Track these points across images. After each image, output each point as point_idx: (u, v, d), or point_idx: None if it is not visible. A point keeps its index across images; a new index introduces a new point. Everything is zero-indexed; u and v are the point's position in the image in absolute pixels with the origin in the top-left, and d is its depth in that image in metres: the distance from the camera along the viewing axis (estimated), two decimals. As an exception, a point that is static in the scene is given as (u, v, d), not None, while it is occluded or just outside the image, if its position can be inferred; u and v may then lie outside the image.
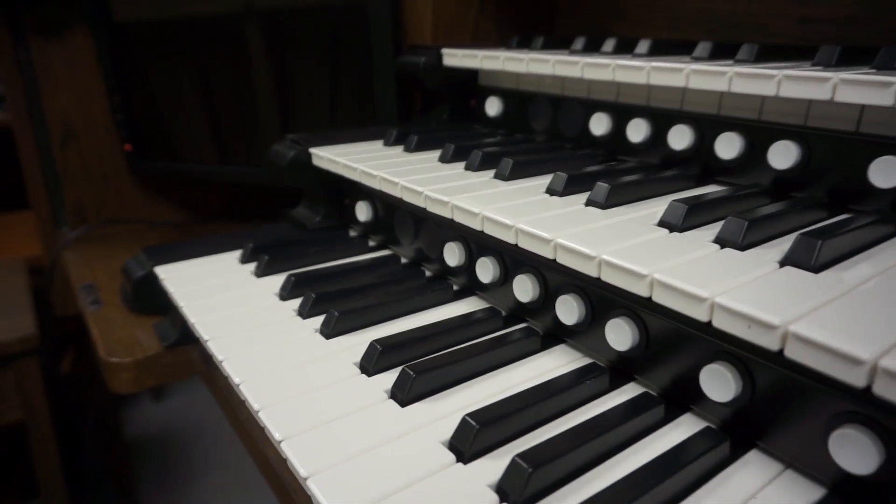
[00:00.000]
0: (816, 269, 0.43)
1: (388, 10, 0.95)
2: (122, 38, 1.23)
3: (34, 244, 1.80)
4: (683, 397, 0.48)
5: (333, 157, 0.80)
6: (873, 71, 0.55)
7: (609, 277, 0.47)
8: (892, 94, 0.48)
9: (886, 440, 0.35)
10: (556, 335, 0.59)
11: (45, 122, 1.25)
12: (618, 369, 0.53)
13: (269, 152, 0.90)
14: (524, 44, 0.93)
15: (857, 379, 0.33)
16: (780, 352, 0.37)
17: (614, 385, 0.51)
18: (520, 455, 0.40)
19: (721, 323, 0.39)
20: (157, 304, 0.84)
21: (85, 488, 2.15)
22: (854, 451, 0.36)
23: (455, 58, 0.90)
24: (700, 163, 0.68)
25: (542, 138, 0.86)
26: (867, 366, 0.33)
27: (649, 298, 0.44)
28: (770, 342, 0.37)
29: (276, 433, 0.46)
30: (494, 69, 0.86)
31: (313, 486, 0.41)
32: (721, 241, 0.49)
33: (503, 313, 0.63)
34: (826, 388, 0.38)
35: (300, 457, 0.43)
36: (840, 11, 0.79)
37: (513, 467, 0.40)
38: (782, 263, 0.45)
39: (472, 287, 0.68)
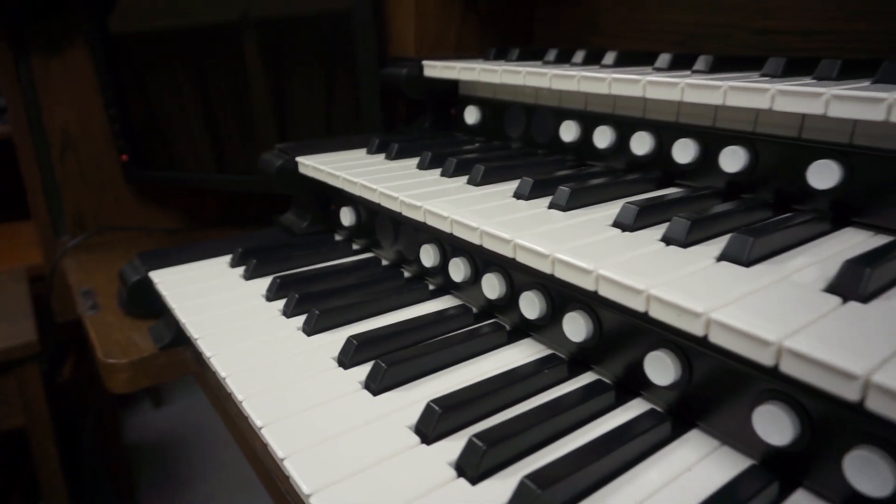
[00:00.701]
0: (748, 264, 0.47)
1: (372, 24, 0.99)
2: (119, 51, 1.28)
3: (34, 253, 1.84)
4: (633, 383, 0.52)
5: (318, 166, 0.84)
6: (814, 82, 0.60)
7: (562, 274, 0.51)
8: (823, 103, 0.52)
9: (801, 414, 0.39)
10: (522, 329, 0.63)
11: (44, 134, 1.29)
12: (576, 359, 0.57)
13: (258, 161, 0.94)
14: (501, 55, 0.97)
15: (767, 359, 0.37)
16: (706, 337, 0.41)
17: (572, 374, 0.55)
18: (476, 435, 0.44)
19: (656, 312, 0.44)
20: (151, 307, 0.89)
21: (85, 492, 2.18)
22: (773, 425, 0.40)
23: (435, 69, 0.95)
24: (660, 167, 0.72)
25: (517, 145, 0.91)
26: (774, 347, 0.37)
27: (596, 292, 0.48)
28: (696, 329, 0.41)
29: (257, 420, 0.50)
30: (471, 80, 0.90)
31: (290, 466, 0.45)
32: (667, 240, 0.53)
33: (474, 310, 0.67)
34: (749, 370, 0.42)
35: (278, 440, 0.47)
36: (797, 24, 0.83)
37: (469, 446, 0.44)
38: (719, 259, 0.49)
39: (447, 286, 0.72)
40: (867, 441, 0.36)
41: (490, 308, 0.66)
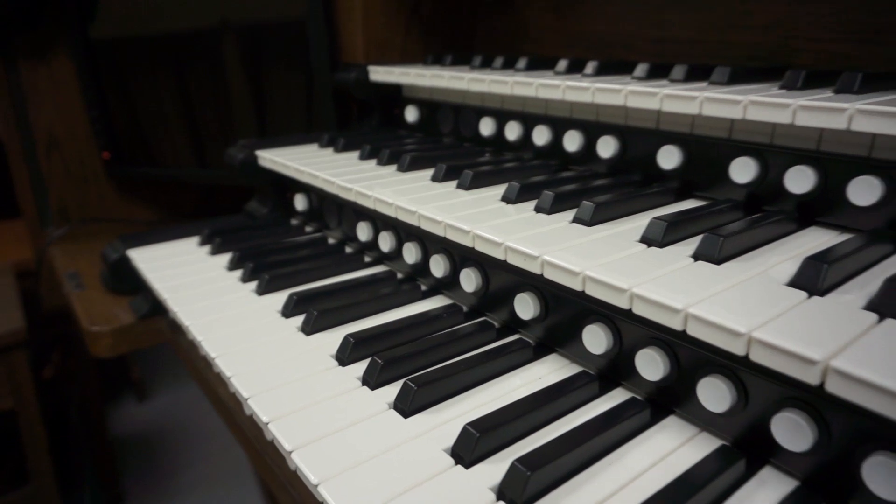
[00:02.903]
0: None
1: (324, 33, 1.13)
2: (99, 57, 1.40)
3: (21, 249, 1.95)
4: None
5: (274, 158, 0.97)
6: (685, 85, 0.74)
7: (453, 235, 0.65)
8: (698, 104, 0.64)
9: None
10: (436, 289, 0.76)
11: (31, 133, 1.42)
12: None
13: (224, 155, 1.07)
14: (437, 61, 1.11)
15: (737, 348, 0.41)
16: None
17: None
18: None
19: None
20: (131, 284, 1.01)
21: (71, 481, 2.23)
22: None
23: (379, 74, 1.09)
24: (557, 156, 0.87)
25: (449, 139, 1.05)
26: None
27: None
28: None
29: (210, 351, 0.64)
30: (407, 83, 1.04)
31: (253, 405, 0.58)
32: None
33: (399, 275, 0.81)
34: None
35: (226, 364, 0.61)
36: (684, 34, 0.98)
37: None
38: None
39: (381, 259, 0.86)
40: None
41: (413, 274, 0.80)
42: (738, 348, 0.42)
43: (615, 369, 0.56)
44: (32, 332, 1.60)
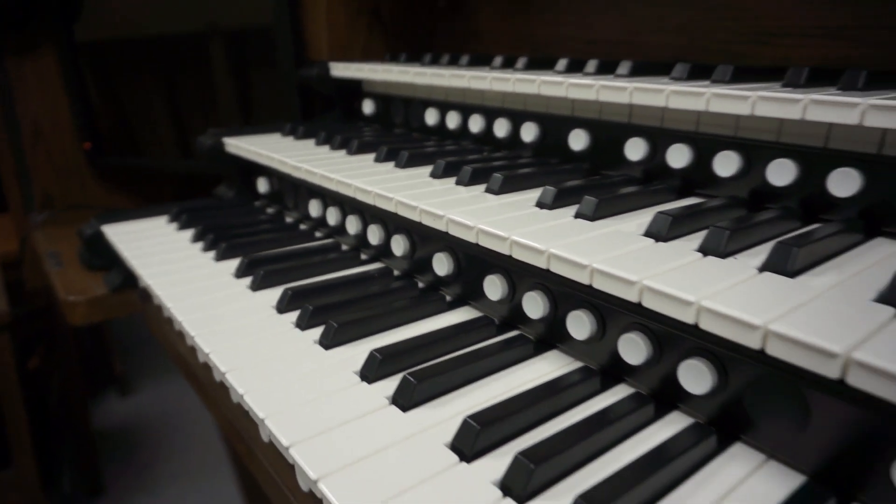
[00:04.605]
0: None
1: (289, 34, 1.24)
2: (83, 55, 1.50)
3: (8, 243, 2.03)
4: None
5: (238, 144, 1.07)
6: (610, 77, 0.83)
7: (380, 203, 0.74)
8: (628, 94, 0.72)
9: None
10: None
11: (17, 125, 1.51)
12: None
13: (195, 142, 1.17)
14: (394, 59, 1.21)
15: (752, 342, 0.41)
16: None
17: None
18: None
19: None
20: (106, 259, 1.10)
21: (53, 468, 2.26)
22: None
23: (338, 70, 1.18)
24: (489, 143, 0.97)
25: (400, 130, 1.15)
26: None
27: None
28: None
29: (168, 303, 0.73)
30: (362, 78, 1.14)
31: (216, 361, 0.67)
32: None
33: (362, 255, 0.90)
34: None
35: (190, 323, 0.69)
36: (610, 36, 1.08)
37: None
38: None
39: (330, 234, 0.96)
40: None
41: (363, 248, 0.89)
42: (753, 342, 0.41)
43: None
44: (18, 326, 1.66)
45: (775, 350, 0.40)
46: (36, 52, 1.51)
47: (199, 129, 1.45)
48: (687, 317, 0.44)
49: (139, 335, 3.33)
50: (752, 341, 0.41)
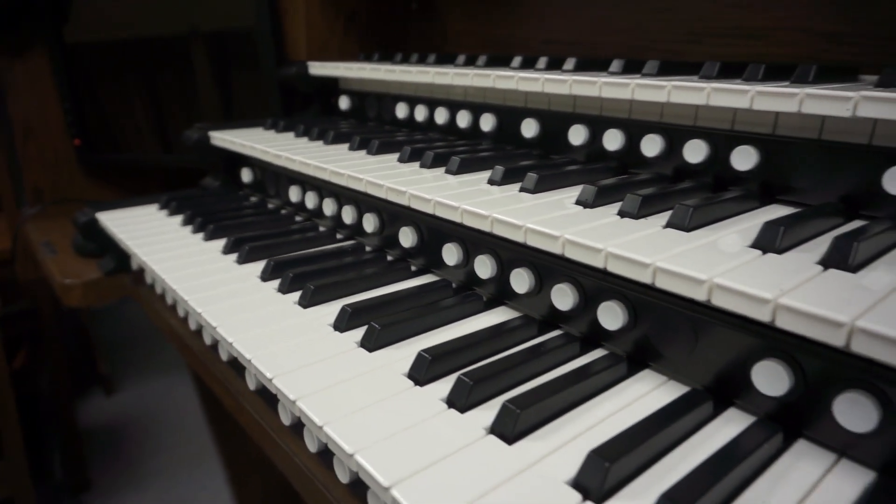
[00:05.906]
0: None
1: (270, 35, 1.33)
2: (73, 55, 1.57)
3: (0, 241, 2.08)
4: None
5: (223, 137, 1.15)
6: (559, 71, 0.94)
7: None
8: (568, 86, 0.84)
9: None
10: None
11: (9, 122, 1.59)
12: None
13: (182, 136, 1.25)
14: (368, 58, 1.31)
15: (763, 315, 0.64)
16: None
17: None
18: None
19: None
20: (99, 245, 1.18)
21: (42, 464, 2.30)
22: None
23: (316, 68, 1.28)
24: (454, 133, 1.06)
25: (374, 123, 1.24)
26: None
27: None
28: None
29: (163, 275, 0.81)
30: (339, 75, 1.23)
31: (199, 312, 0.76)
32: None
33: (338, 234, 0.99)
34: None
35: (184, 290, 0.78)
36: (565, 37, 1.19)
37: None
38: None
39: (309, 217, 1.05)
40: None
41: (344, 230, 0.99)
42: (763, 315, 0.43)
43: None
44: (5, 322, 1.72)
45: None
46: (26, 54, 1.58)
47: (183, 126, 1.53)
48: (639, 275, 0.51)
49: (123, 336, 3.38)
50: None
